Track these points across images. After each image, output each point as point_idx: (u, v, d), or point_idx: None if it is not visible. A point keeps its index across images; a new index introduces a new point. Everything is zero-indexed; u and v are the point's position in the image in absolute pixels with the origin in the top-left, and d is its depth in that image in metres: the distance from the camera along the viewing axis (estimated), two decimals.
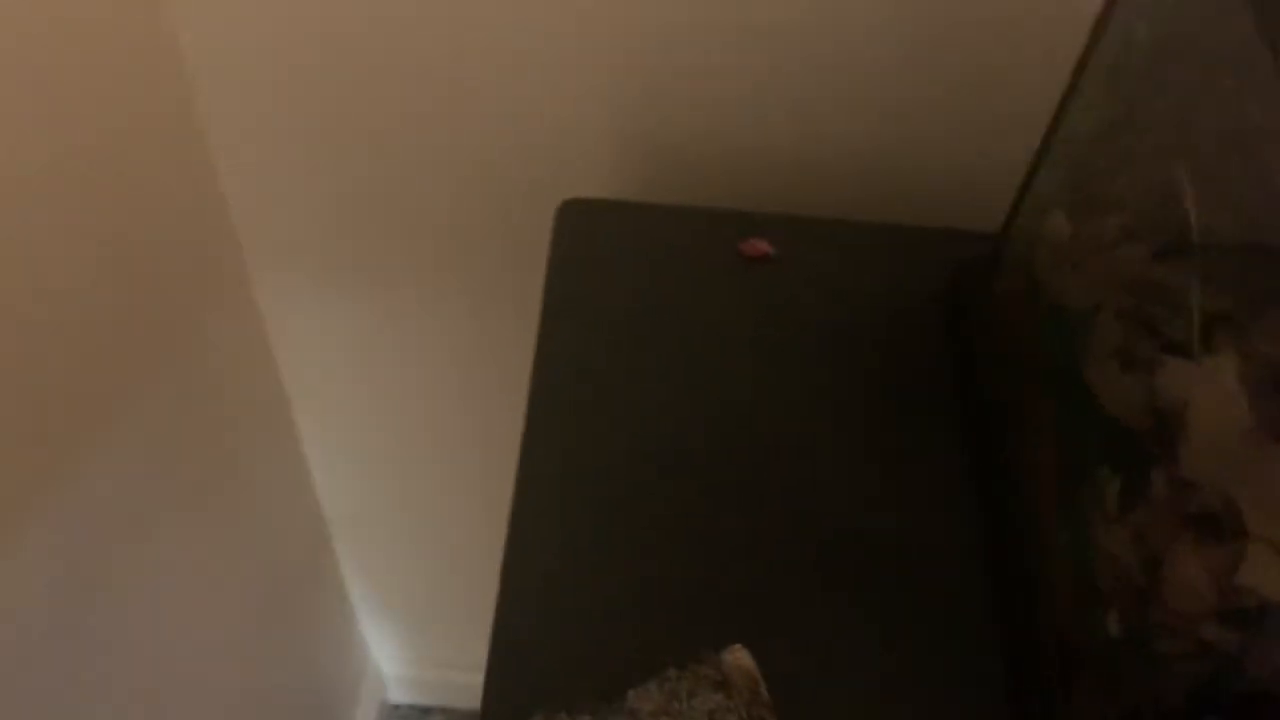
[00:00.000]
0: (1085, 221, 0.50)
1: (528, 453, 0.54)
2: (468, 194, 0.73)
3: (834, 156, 0.68)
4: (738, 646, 0.40)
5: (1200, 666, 0.36)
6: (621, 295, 0.61)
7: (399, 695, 1.34)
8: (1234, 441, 0.42)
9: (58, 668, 0.62)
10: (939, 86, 0.65)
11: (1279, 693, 0.36)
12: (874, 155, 0.68)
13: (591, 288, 0.61)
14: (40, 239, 0.58)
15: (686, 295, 0.61)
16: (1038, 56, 0.62)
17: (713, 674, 0.37)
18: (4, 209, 0.54)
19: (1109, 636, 0.41)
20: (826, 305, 0.61)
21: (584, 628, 0.48)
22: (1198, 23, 0.42)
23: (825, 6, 0.62)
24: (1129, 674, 0.40)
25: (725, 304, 0.61)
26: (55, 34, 0.57)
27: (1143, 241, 0.48)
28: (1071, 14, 0.51)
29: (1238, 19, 0.37)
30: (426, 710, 1.34)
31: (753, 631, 0.46)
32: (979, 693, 0.47)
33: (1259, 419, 0.41)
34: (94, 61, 0.60)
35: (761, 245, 0.64)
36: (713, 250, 0.64)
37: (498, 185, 0.72)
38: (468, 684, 0.99)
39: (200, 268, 0.75)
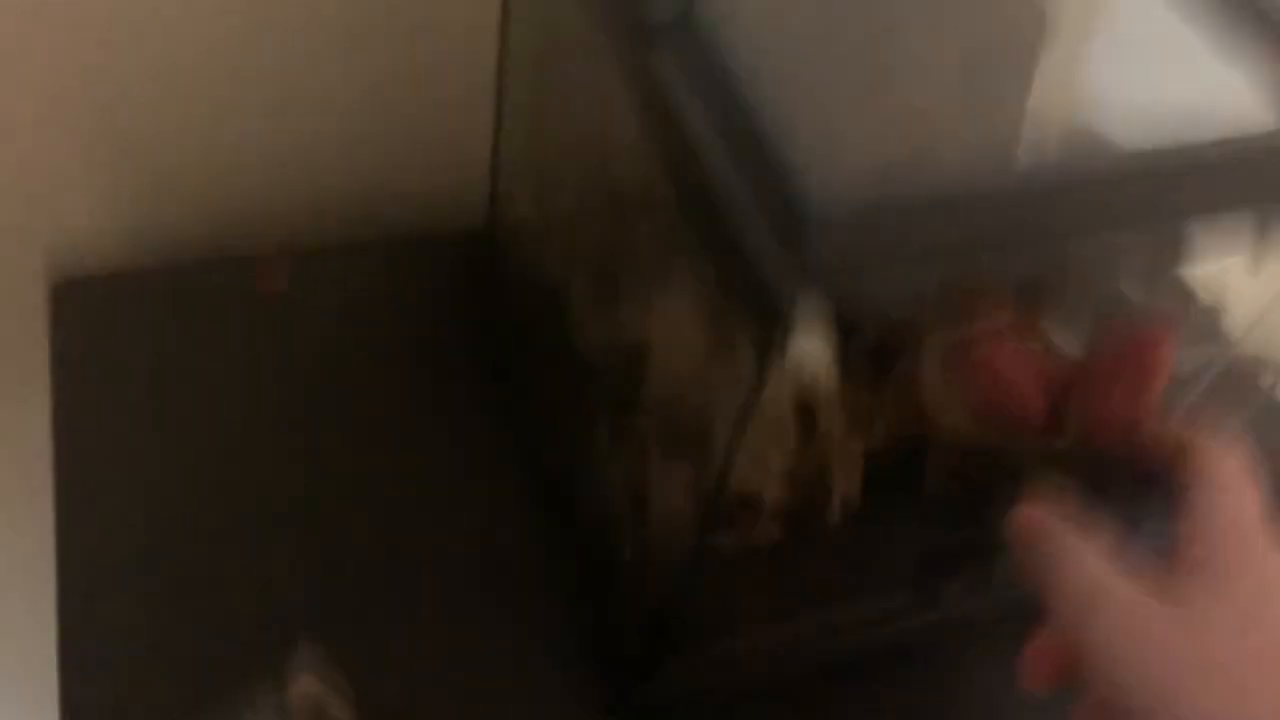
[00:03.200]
0: (546, 201, 0.55)
1: (66, 548, 0.52)
2: None
3: (326, 186, 0.70)
4: (303, 674, 0.41)
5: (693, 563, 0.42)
6: (142, 370, 0.59)
7: None
8: (695, 363, 0.49)
9: None
10: (382, 96, 0.67)
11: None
12: (364, 173, 0.70)
13: (106, 370, 0.58)
14: None
15: (206, 350, 0.60)
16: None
17: (269, 713, 0.38)
18: None
19: (628, 560, 0.47)
20: (352, 329, 0.63)
21: (156, 689, 0.46)
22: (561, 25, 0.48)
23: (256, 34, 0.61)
24: (652, 587, 0.46)
25: (246, 349, 0.61)
26: None
27: (594, 210, 0.54)
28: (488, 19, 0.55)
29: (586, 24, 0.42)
30: None
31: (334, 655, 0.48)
32: (568, 661, 0.50)
33: (710, 340, 0.49)
34: None
35: (273, 283, 0.64)
36: (226, 299, 0.63)
37: None
38: None
39: None
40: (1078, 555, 0.36)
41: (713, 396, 0.46)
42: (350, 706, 0.41)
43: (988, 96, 0.39)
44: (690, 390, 0.48)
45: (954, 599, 0.50)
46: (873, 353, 0.49)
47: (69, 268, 0.62)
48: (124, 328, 0.61)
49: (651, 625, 0.44)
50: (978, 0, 0.43)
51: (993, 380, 0.46)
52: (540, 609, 0.52)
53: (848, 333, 0.47)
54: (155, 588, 0.51)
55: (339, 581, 0.52)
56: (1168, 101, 0.36)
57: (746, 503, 0.45)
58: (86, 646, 0.48)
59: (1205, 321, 0.51)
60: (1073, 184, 0.33)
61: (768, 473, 0.45)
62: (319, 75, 0.64)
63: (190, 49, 0.61)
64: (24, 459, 0.67)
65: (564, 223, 0.55)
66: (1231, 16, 0.39)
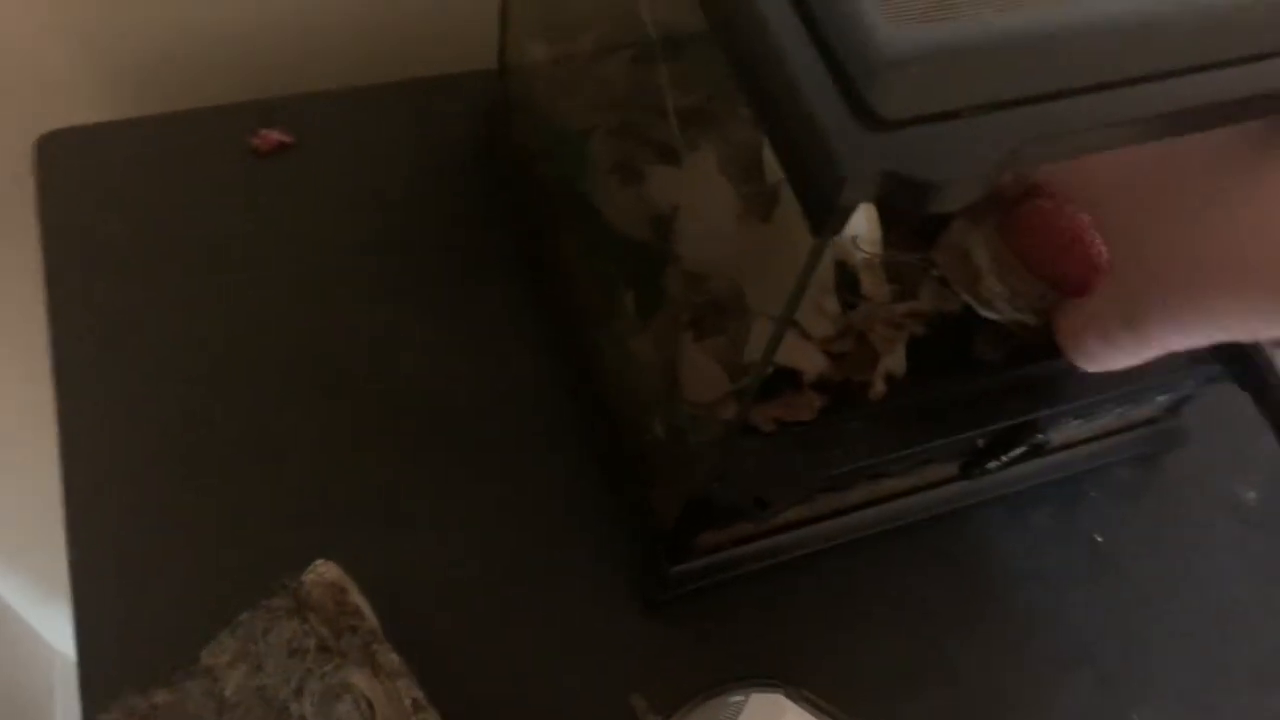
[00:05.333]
0: (563, 45, 0.51)
1: (67, 420, 0.50)
2: None
3: (327, 24, 0.65)
4: (319, 563, 0.39)
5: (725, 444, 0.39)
6: (133, 224, 0.56)
7: None
8: (727, 228, 0.45)
9: None
10: None
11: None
12: (371, 10, 0.65)
13: (95, 223, 0.55)
14: None
15: (205, 207, 0.57)
16: None
17: (286, 603, 0.37)
18: None
19: (658, 437, 0.44)
20: (361, 181, 0.59)
21: (170, 589, 0.45)
22: None
23: None
24: (683, 465, 0.43)
25: (248, 206, 0.57)
26: None
27: (615, 55, 0.50)
28: None
29: None
30: None
31: (356, 534, 0.46)
32: (587, 522, 0.50)
33: (743, 202, 0.45)
34: None
35: (275, 135, 0.60)
36: (226, 151, 0.60)
37: None
38: None
39: None
40: None
41: (748, 263, 0.43)
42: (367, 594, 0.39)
43: None
44: (724, 257, 0.44)
45: (996, 472, 0.47)
46: (920, 216, 0.46)
47: (52, 121, 0.58)
48: (117, 183, 0.57)
49: (687, 504, 0.41)
50: None
51: (1057, 236, 0.43)
52: (571, 486, 0.50)
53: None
54: (165, 466, 0.49)
55: (360, 459, 0.50)
56: None
57: (786, 376, 0.42)
58: (95, 537, 0.46)
59: None
60: (1178, 16, 0.28)
61: (809, 344, 0.42)
62: None
63: None
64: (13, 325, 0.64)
65: (581, 69, 0.50)
66: None
